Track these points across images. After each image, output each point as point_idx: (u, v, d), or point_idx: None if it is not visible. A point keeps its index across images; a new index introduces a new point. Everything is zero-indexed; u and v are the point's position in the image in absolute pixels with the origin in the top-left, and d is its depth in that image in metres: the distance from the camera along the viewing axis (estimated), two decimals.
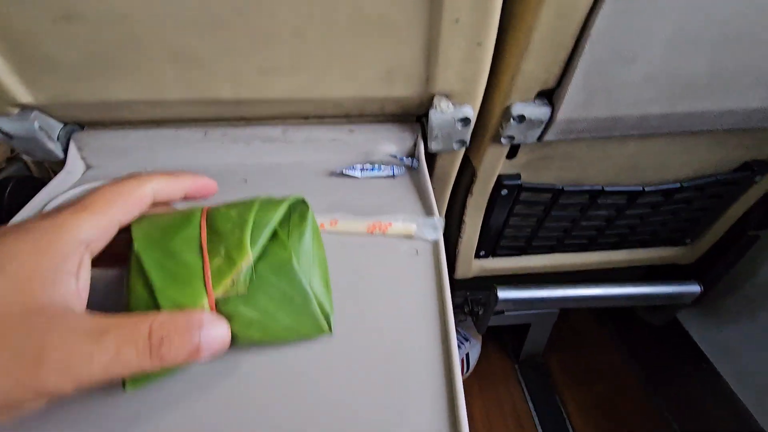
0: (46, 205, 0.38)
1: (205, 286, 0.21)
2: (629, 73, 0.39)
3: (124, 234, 0.22)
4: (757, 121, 0.47)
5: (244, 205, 0.24)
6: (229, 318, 0.21)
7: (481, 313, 0.80)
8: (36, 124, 0.38)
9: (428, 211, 0.37)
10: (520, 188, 0.58)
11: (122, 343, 0.17)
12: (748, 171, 0.59)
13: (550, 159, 0.55)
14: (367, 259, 0.31)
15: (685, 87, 0.41)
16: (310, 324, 0.24)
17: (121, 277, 0.23)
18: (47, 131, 0.40)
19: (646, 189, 0.58)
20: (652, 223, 0.67)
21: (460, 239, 0.67)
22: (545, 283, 0.77)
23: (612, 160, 0.55)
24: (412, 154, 0.45)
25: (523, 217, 0.64)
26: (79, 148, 0.42)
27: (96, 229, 0.20)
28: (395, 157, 0.44)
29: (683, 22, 0.35)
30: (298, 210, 0.26)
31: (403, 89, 0.39)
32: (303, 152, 0.44)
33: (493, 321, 0.86)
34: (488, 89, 0.41)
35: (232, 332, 0.21)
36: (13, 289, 0.17)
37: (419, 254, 0.32)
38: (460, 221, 0.64)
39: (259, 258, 0.23)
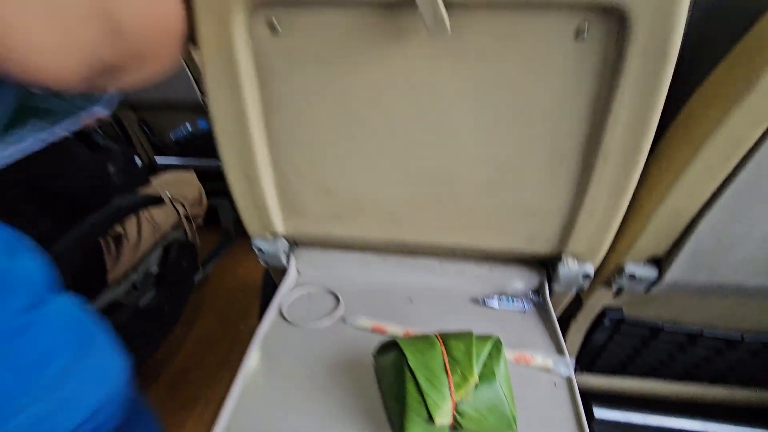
0: (281, 306, 0.55)
1: (450, 392, 0.35)
2: (729, 257, 0.49)
3: None
4: None
5: (466, 340, 0.38)
6: (461, 415, 0.35)
7: None
8: (280, 246, 0.57)
9: (558, 349, 0.48)
10: (622, 321, 0.66)
11: None
12: None
13: (653, 300, 0.63)
14: (518, 383, 0.43)
15: None
16: (505, 424, 0.37)
17: None
18: (283, 250, 0.58)
19: (746, 338, 0.63)
20: (753, 368, 0.70)
21: None
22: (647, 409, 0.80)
23: (711, 309, 0.62)
24: (537, 291, 0.57)
25: (622, 343, 0.71)
26: (297, 260, 0.61)
27: None
28: (525, 293, 0.56)
29: None
30: (496, 347, 0.39)
31: (540, 248, 0.53)
32: (453, 281, 0.58)
33: None
34: (608, 249, 0.53)
35: (460, 424, 0.35)
36: None
37: (557, 387, 0.43)
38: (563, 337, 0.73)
39: (479, 377, 0.36)
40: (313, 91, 0.43)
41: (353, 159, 0.47)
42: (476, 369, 0.36)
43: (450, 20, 0.33)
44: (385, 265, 0.59)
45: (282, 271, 0.60)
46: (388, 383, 0.39)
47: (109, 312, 1.09)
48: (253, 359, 0.46)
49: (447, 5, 0.32)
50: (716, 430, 0.72)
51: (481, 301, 0.55)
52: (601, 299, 0.63)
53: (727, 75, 0.39)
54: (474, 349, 0.37)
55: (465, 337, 0.39)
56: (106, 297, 1.10)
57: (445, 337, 0.39)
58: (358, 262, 0.59)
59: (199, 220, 1.53)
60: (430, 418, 0.34)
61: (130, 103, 1.72)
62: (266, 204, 0.52)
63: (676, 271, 0.51)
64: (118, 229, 1.12)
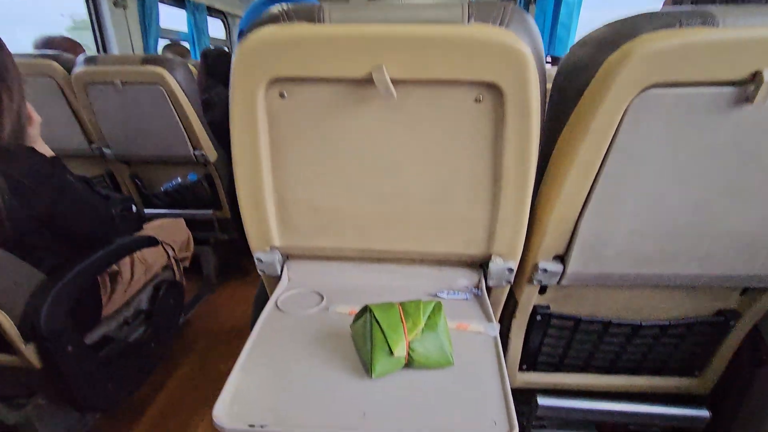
0: (277, 300, 0.69)
1: (404, 334, 0.50)
2: (606, 250, 0.68)
3: None
4: (705, 282, 0.72)
5: (416, 302, 0.54)
6: (413, 350, 0.50)
7: (524, 423, 0.97)
8: (276, 257, 0.73)
9: (489, 320, 0.64)
10: (550, 315, 0.83)
11: None
12: (722, 317, 0.81)
13: (571, 296, 0.81)
14: (458, 341, 0.58)
15: (645, 259, 0.69)
16: (445, 359, 0.52)
17: None
18: (279, 261, 0.74)
19: (644, 324, 0.81)
20: (659, 353, 0.87)
21: (506, 354, 0.90)
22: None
23: (614, 300, 0.81)
24: (477, 286, 0.74)
25: (555, 338, 0.87)
26: (288, 270, 0.76)
27: None
28: (467, 287, 0.73)
29: (631, 225, 0.65)
30: (437, 307, 0.55)
31: (474, 250, 0.70)
32: (412, 280, 0.74)
33: None
34: (525, 252, 0.71)
35: (413, 358, 0.50)
36: None
37: (485, 342, 0.58)
38: (506, 339, 0.88)
39: (425, 325, 0.52)
40: (307, 137, 0.62)
41: (335, 185, 0.65)
42: (423, 319, 0.52)
43: (396, 92, 0.53)
44: (359, 270, 0.75)
45: (276, 280, 0.75)
46: (360, 337, 0.54)
47: (101, 345, 1.16)
48: (256, 334, 0.60)
49: (394, 82, 0.53)
50: (640, 410, 0.87)
51: (433, 294, 0.71)
52: (530, 297, 0.80)
53: (577, 121, 0.61)
54: (421, 307, 0.53)
55: (416, 301, 0.55)
56: (100, 331, 1.18)
57: (402, 303, 0.55)
58: (338, 269, 0.75)
59: (186, 263, 1.64)
60: (391, 352, 0.49)
61: (125, 159, 1.88)
62: (267, 222, 0.69)
63: (574, 265, 0.70)
64: (114, 267, 1.23)
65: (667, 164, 0.59)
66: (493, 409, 0.45)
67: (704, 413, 0.86)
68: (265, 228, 0.69)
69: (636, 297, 0.80)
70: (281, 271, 0.75)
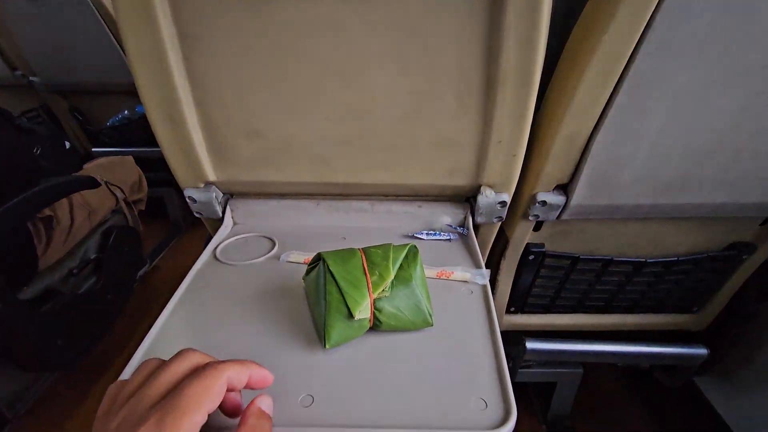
0: (216, 247, 0.55)
1: (368, 291, 0.38)
2: (621, 176, 0.55)
3: None
4: (727, 212, 0.61)
5: (384, 248, 0.41)
6: (379, 310, 0.38)
7: (511, 365, 0.91)
8: (213, 195, 0.58)
9: (477, 265, 0.52)
10: (545, 255, 0.72)
11: None
12: (735, 250, 0.72)
13: (569, 233, 0.70)
14: (439, 294, 0.46)
15: (665, 186, 0.57)
16: (421, 320, 0.40)
17: None
18: (217, 199, 0.59)
19: (648, 260, 0.71)
20: (659, 291, 0.79)
21: (493, 296, 0.80)
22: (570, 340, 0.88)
23: (617, 236, 0.70)
24: (463, 224, 0.61)
25: (547, 279, 0.78)
26: (232, 210, 0.61)
27: (197, 427, 0.23)
28: (451, 226, 0.61)
29: (656, 144, 0.52)
30: (412, 252, 0.43)
31: (460, 180, 0.57)
32: (384, 220, 0.61)
33: (522, 377, 0.96)
34: (520, 181, 0.58)
35: (380, 320, 0.38)
36: None
37: (473, 294, 0.47)
38: (494, 281, 0.78)
39: (395, 278, 0.39)
40: (234, 30, 0.44)
41: (278, 99, 0.49)
42: (393, 270, 0.39)
43: None
44: (318, 209, 0.61)
45: (218, 223, 0.61)
46: (313, 294, 0.41)
47: (44, 299, 1.04)
48: (183, 290, 0.47)
49: None
50: (631, 350, 0.81)
51: (410, 235, 0.59)
52: (523, 235, 0.69)
53: (596, 8, 0.44)
54: (391, 254, 0.40)
55: (384, 246, 0.42)
56: (40, 283, 1.04)
57: (366, 249, 0.42)
58: (292, 209, 0.61)
59: (141, 206, 1.47)
60: (351, 315, 0.37)
61: (59, 88, 1.62)
62: (195, 150, 0.53)
63: (580, 195, 0.57)
64: (47, 212, 1.06)
65: (713, 60, 0.45)
66: (484, 384, 0.35)
67: (702, 351, 0.80)
68: (193, 158, 0.54)
69: (642, 231, 0.69)
70: (223, 213, 0.61)
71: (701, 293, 0.80)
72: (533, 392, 1.15)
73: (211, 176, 0.57)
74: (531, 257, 0.73)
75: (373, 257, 0.40)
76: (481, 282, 0.48)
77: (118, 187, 1.33)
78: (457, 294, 0.47)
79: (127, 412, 0.23)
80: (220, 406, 0.28)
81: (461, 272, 0.50)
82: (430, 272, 0.50)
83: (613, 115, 0.49)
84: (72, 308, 1.07)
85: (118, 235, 1.27)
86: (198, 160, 0.54)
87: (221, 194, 0.60)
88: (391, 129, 0.51)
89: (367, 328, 0.39)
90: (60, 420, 1.14)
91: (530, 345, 0.80)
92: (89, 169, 1.32)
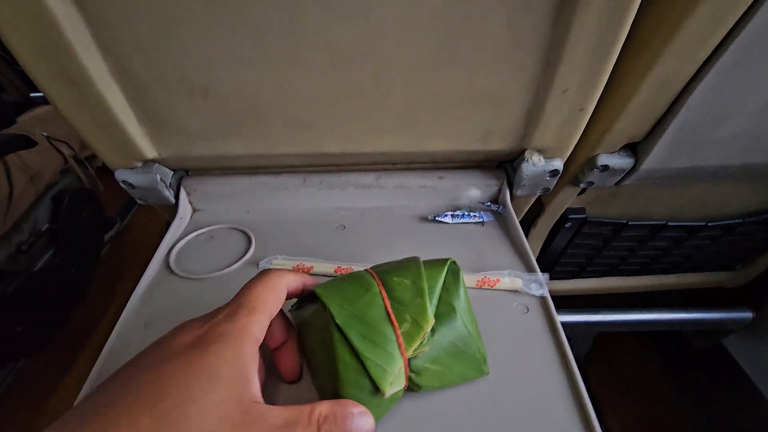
0: (170, 251, 0.41)
1: (399, 349, 0.25)
2: (716, 133, 0.41)
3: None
4: None
5: (412, 272, 0.27)
6: (418, 373, 0.26)
7: None
8: (158, 177, 0.42)
9: (528, 266, 0.39)
10: (585, 221, 0.60)
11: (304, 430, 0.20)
12: None
13: (618, 196, 0.57)
14: (480, 314, 0.34)
15: (767, 143, 0.43)
16: (475, 368, 0.28)
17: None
18: (165, 181, 0.43)
19: (709, 224, 0.59)
20: (708, 253, 0.68)
21: None
22: (591, 304, 0.79)
23: (677, 198, 0.57)
24: (496, 199, 0.47)
25: (582, 246, 0.66)
26: (188, 194, 0.46)
27: (263, 327, 0.23)
28: (482, 203, 0.46)
29: None
30: (451, 270, 0.29)
31: (498, 145, 0.41)
32: (394, 198, 0.46)
33: None
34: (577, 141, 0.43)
35: (418, 384, 0.26)
36: (229, 391, 0.20)
37: (529, 313, 0.35)
38: None
39: (436, 316, 0.27)
40: None
41: (231, 40, 0.31)
42: (431, 309, 0.26)
43: None
44: (305, 188, 0.45)
45: (174, 211, 0.45)
46: (315, 339, 0.28)
47: None
48: (118, 332, 0.33)
49: None
50: (671, 317, 0.72)
51: (431, 218, 0.44)
52: (564, 202, 0.55)
53: None
54: (424, 282, 0.27)
55: (409, 266, 0.28)
56: None
57: (383, 273, 0.28)
58: (270, 188, 0.45)
59: (98, 162, 1.27)
60: (376, 389, 0.24)
61: None
62: (117, 120, 0.36)
63: (656, 156, 0.43)
64: None
65: None
66: None
67: (747, 314, 0.72)
68: (117, 132, 0.37)
69: (707, 192, 0.56)
70: (176, 198, 0.45)
71: (753, 251, 0.70)
72: None
73: (150, 152, 0.40)
74: (568, 225, 0.60)
75: (397, 290, 0.26)
76: (537, 293, 0.36)
77: (65, 143, 1.12)
78: (506, 314, 0.34)
79: (203, 319, 0.23)
80: (280, 367, 0.28)
81: (510, 278, 0.36)
82: (467, 279, 0.36)
83: (731, 56, 0.33)
84: (28, 289, 0.93)
85: (72, 200, 1.10)
86: (125, 133, 0.37)
87: (170, 173, 0.44)
88: (405, 80, 0.35)
89: (400, 396, 0.27)
90: (41, 397, 1.07)
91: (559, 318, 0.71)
92: (24, 122, 1.10)
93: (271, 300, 0.24)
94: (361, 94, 0.35)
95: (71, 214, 1.10)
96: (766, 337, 0.82)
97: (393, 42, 0.32)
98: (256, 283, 0.25)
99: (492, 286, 0.36)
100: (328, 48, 0.32)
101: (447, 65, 0.34)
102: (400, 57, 0.33)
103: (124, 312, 0.34)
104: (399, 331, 0.25)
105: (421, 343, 0.25)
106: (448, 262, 0.29)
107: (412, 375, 0.26)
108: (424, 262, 0.29)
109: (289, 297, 0.27)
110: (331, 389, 0.25)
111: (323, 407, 0.22)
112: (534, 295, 0.36)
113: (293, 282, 0.27)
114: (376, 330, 0.25)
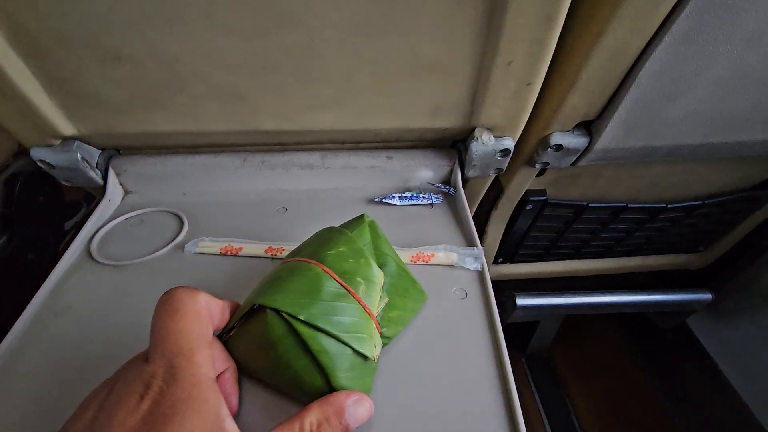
0: (94, 235, 0.38)
1: (366, 312, 0.25)
2: (672, 110, 0.39)
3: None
4: None
5: (342, 239, 0.27)
6: (385, 326, 0.27)
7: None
8: (79, 155, 0.38)
9: (469, 241, 0.37)
10: (545, 203, 0.58)
11: None
12: (767, 188, 0.60)
13: (578, 177, 0.55)
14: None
15: (727, 121, 0.41)
16: (418, 298, 0.31)
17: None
18: (88, 160, 0.40)
19: (669, 206, 0.59)
20: (670, 235, 0.68)
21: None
22: (557, 287, 0.79)
23: (637, 180, 0.56)
24: (448, 180, 0.45)
25: (545, 228, 0.65)
26: (118, 174, 0.42)
27: (209, 360, 0.20)
28: (433, 184, 0.44)
29: (735, 64, 0.35)
30: (368, 223, 0.30)
31: (446, 122, 0.39)
32: (341, 179, 0.44)
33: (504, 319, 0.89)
34: (528, 120, 0.41)
35: (388, 336, 0.27)
36: None
37: (468, 298, 0.33)
38: (482, 231, 0.65)
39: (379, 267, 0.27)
40: None
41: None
42: (375, 268, 0.27)
43: None
44: (246, 168, 0.43)
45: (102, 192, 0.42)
46: (277, 361, 0.25)
47: None
48: (28, 321, 0.31)
49: None
50: (632, 299, 0.73)
51: (377, 200, 0.42)
52: (523, 184, 0.54)
53: None
54: (358, 244, 0.27)
55: (335, 237, 0.28)
56: None
57: (314, 253, 0.26)
58: (207, 168, 0.43)
59: None
60: (364, 358, 0.24)
61: None
62: (20, 92, 0.32)
63: (609, 136, 0.41)
64: None
65: None
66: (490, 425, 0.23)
67: (707, 296, 0.73)
68: (24, 105, 0.33)
69: (667, 174, 0.55)
70: (104, 179, 0.42)
71: (714, 233, 0.71)
72: (513, 327, 1.11)
73: (67, 129, 0.37)
74: (529, 207, 0.59)
75: (338, 263, 0.26)
76: (472, 266, 0.34)
77: None
78: (443, 300, 0.33)
79: (131, 386, 0.19)
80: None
81: (444, 253, 0.35)
82: (403, 255, 0.35)
83: (684, 22, 0.31)
84: None
85: (25, 184, 1.04)
86: (31, 106, 0.34)
87: (96, 152, 0.41)
88: (341, 47, 0.32)
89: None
90: None
91: (521, 301, 0.70)
92: None
93: (198, 326, 0.21)
94: (294, 60, 0.33)
95: (24, 199, 1.04)
96: (726, 317, 0.84)
97: (323, 2, 0.29)
98: (171, 316, 0.21)
99: (426, 261, 0.35)
100: (251, 6, 0.29)
101: (384, 31, 0.31)
102: (332, 17, 0.30)
103: (31, 301, 0.32)
104: (359, 297, 0.25)
105: (380, 297, 0.26)
106: (365, 218, 0.30)
107: (383, 330, 0.26)
108: (342, 226, 0.30)
109: (216, 329, 0.24)
110: (317, 387, 0.23)
111: (312, 414, 0.20)
112: (469, 269, 0.34)
113: (207, 299, 0.23)
114: (340, 306, 0.24)
